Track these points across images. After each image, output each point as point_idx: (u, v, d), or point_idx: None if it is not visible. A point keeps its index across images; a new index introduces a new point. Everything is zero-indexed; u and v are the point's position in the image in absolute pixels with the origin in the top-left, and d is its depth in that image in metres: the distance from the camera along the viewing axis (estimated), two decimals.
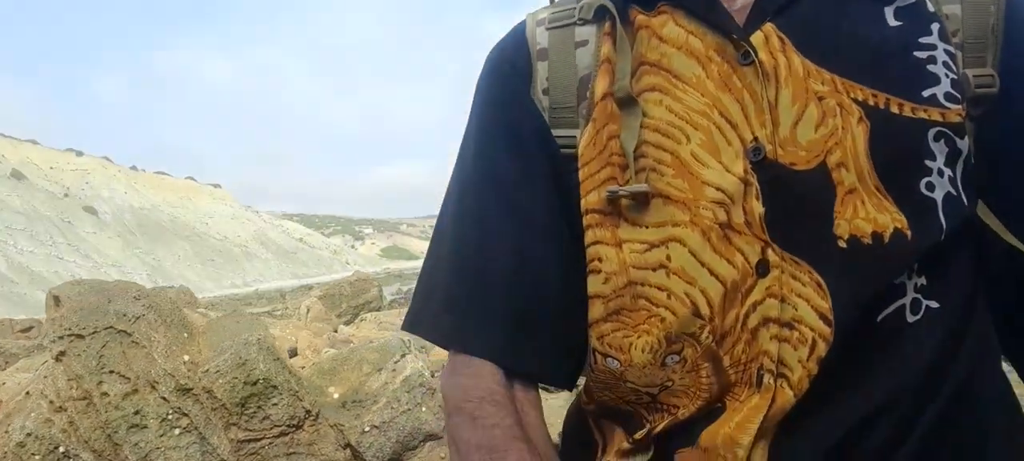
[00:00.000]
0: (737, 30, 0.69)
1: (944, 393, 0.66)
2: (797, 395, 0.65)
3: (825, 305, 0.65)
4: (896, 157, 0.66)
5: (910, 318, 0.66)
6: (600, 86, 0.72)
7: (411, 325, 0.77)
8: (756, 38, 0.69)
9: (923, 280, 0.66)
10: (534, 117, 0.74)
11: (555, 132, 0.74)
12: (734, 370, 0.67)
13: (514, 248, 0.73)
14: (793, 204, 0.66)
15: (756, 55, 0.68)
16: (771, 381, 0.65)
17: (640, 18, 0.73)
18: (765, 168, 0.67)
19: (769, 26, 0.69)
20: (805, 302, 0.65)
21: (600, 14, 0.75)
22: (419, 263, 0.87)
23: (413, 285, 0.91)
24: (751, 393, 0.66)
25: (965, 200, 0.68)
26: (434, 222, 0.81)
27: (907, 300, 0.66)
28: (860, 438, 0.64)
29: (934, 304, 0.66)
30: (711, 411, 0.68)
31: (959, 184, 0.68)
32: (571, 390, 0.80)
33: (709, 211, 0.67)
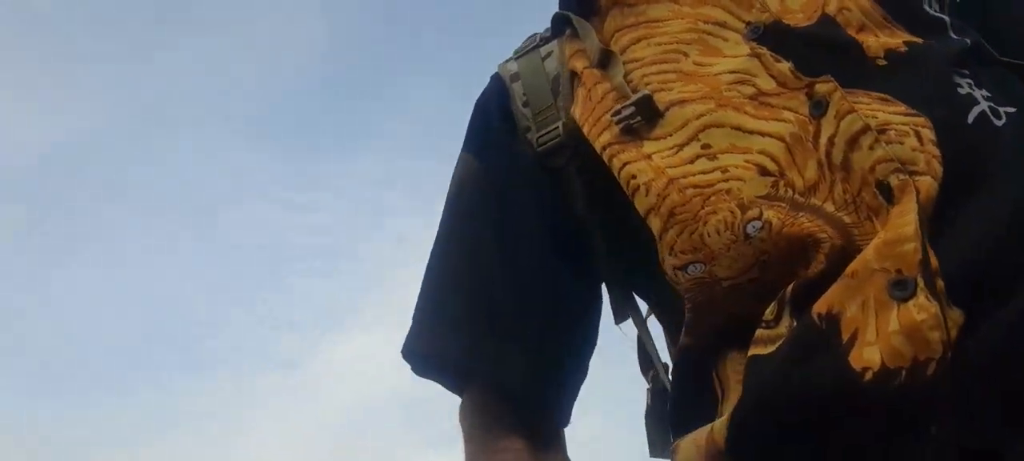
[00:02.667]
0: None
1: None
2: (937, 180, 0.56)
3: (900, 106, 0.60)
4: None
5: (996, 122, 0.61)
6: (579, 64, 0.74)
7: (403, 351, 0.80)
8: None
9: (985, 92, 0.62)
10: (509, 136, 0.78)
11: (540, 133, 0.76)
12: (845, 212, 0.58)
13: (468, 263, 0.78)
14: (813, 51, 0.64)
15: None
16: (902, 178, 0.55)
17: (604, 2, 0.76)
18: (769, 36, 0.66)
19: None
20: (880, 111, 0.59)
21: (560, 27, 0.80)
22: None
23: None
24: (884, 212, 0.56)
25: (966, 27, 0.68)
26: None
27: (984, 107, 0.61)
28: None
29: (1011, 109, 0.62)
30: (846, 262, 0.57)
31: (953, 14, 0.69)
32: (554, 416, 0.79)
33: (733, 90, 0.64)
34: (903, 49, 0.63)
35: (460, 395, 0.79)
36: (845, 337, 0.53)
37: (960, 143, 0.58)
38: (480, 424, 0.76)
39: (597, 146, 0.68)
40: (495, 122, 0.80)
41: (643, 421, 0.80)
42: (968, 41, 0.66)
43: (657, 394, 0.79)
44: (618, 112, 0.66)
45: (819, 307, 0.55)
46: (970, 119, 0.60)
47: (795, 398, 0.55)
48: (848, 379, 0.52)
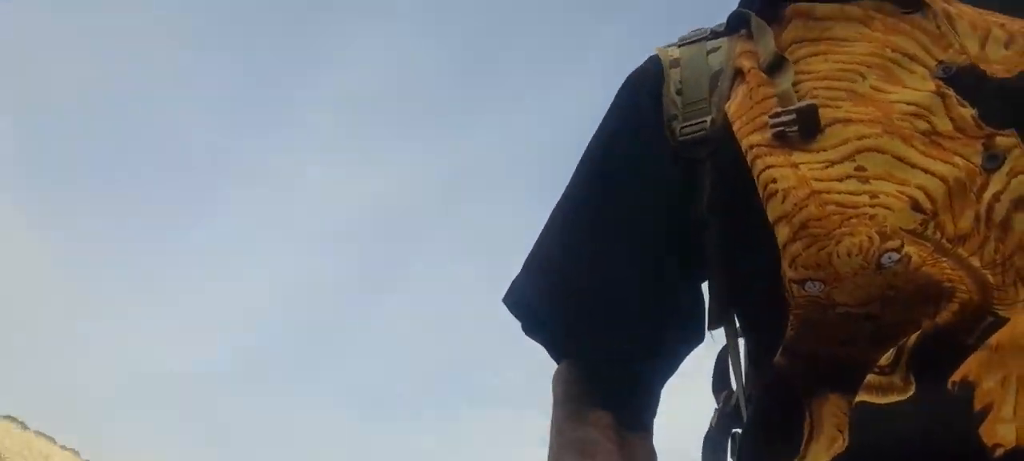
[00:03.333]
0: None
1: None
2: None
3: None
4: None
5: None
6: (747, 63, 0.71)
7: (505, 300, 0.81)
8: None
9: None
10: (653, 120, 0.76)
11: (686, 124, 0.73)
12: (991, 270, 0.54)
13: (577, 244, 0.78)
14: (1004, 104, 0.59)
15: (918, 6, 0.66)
16: None
17: (790, 9, 0.73)
18: (961, 78, 0.61)
19: None
20: None
21: (734, 25, 0.76)
22: None
23: None
24: None
25: None
26: None
27: None
28: None
29: None
30: (982, 327, 0.52)
31: None
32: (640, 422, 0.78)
33: (905, 121, 0.60)
34: None
35: (557, 361, 0.81)
36: (977, 407, 0.49)
37: None
38: (573, 394, 0.77)
39: (744, 144, 0.65)
40: (642, 102, 0.78)
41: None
42: None
43: (725, 417, 0.76)
44: (776, 115, 0.63)
45: (954, 376, 0.51)
46: None
47: (910, 458, 0.50)
48: (976, 451, 0.47)
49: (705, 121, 0.72)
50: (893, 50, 0.65)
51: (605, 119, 0.82)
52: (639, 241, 0.75)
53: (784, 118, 0.63)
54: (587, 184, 0.81)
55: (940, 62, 0.63)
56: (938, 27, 0.64)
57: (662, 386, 0.79)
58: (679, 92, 0.75)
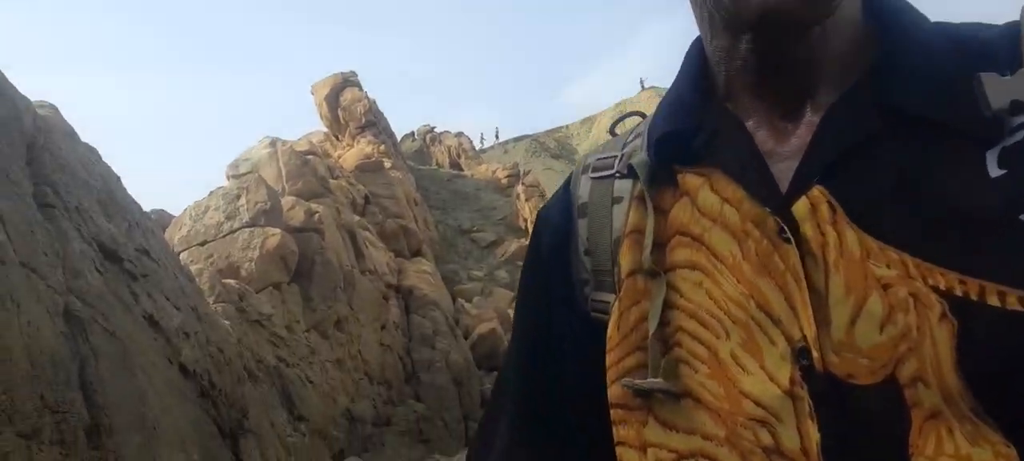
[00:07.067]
0: (775, 197, 0.58)
1: None
2: None
3: None
4: (999, 368, 0.49)
5: None
6: (627, 262, 0.67)
7: None
8: (800, 207, 0.56)
9: None
10: (567, 283, 0.73)
11: (595, 296, 0.70)
12: None
13: (523, 420, 0.75)
14: (854, 433, 0.53)
15: (797, 232, 0.56)
16: None
17: (681, 179, 0.65)
18: (816, 379, 0.54)
19: (818, 191, 0.56)
20: None
21: (633, 173, 0.70)
22: None
23: None
24: None
25: None
26: None
27: None
28: None
29: None
30: None
31: None
32: None
33: (749, 430, 0.57)
34: None
35: None
36: None
37: None
38: None
39: (610, 395, 0.65)
40: (555, 260, 0.75)
41: None
42: None
43: None
44: (629, 383, 0.63)
45: None
46: None
47: None
48: None
49: (610, 300, 0.68)
50: (758, 305, 0.58)
51: (526, 269, 0.79)
52: (570, 415, 0.72)
53: (637, 386, 0.62)
54: (520, 369, 0.78)
55: (803, 338, 0.55)
56: (810, 281, 0.55)
57: None
58: (587, 252, 0.71)
